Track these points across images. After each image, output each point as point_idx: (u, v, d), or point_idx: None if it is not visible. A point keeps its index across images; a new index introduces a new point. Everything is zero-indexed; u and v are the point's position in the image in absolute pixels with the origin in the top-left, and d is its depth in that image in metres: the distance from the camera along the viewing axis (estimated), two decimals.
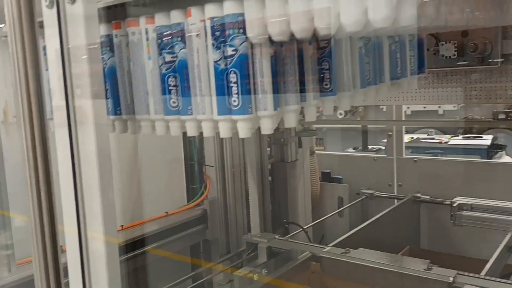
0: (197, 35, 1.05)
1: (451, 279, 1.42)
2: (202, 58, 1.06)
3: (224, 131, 1.07)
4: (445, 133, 4.64)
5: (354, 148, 4.77)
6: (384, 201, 2.63)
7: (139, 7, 1.15)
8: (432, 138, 4.32)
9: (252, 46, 1.02)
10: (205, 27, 1.04)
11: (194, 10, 1.04)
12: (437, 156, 3.69)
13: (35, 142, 0.88)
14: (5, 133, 1.96)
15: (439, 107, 5.03)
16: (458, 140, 4.20)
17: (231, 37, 1.00)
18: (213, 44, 1.03)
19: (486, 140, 4.04)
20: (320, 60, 1.16)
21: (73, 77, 0.91)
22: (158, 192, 2.34)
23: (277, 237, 1.90)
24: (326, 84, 1.17)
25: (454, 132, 4.59)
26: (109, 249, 0.95)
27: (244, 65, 1.01)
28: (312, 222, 2.51)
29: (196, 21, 1.05)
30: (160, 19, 1.11)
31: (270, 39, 1.01)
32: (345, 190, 2.74)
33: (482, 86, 2.15)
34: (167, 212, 2.28)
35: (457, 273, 1.44)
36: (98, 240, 0.94)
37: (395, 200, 2.58)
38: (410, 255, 2.11)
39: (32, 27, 0.87)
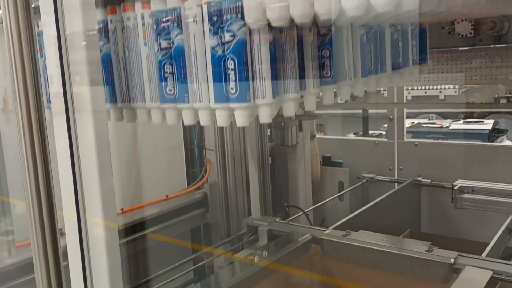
0: (194, 20, 1.02)
1: (452, 260, 1.42)
2: (199, 44, 1.03)
3: (222, 120, 1.05)
4: (446, 118, 4.63)
5: (354, 134, 4.76)
6: (385, 185, 2.62)
7: None
8: (433, 123, 4.31)
9: (250, 32, 0.99)
10: (202, 12, 1.01)
11: None
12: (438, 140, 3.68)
13: (32, 128, 0.87)
14: (5, 120, 1.96)
15: (440, 92, 5.01)
16: (459, 125, 4.19)
17: (228, 23, 0.98)
18: (210, 30, 1.00)
19: (487, 124, 4.03)
20: (321, 48, 1.14)
21: (70, 64, 0.90)
22: (158, 175, 2.34)
23: (277, 220, 1.89)
24: (327, 72, 1.15)
25: (455, 117, 4.58)
26: (109, 233, 0.95)
27: (242, 52, 0.99)
28: (313, 206, 2.51)
29: (192, 6, 1.02)
30: (156, 4, 1.08)
31: (269, 25, 0.98)
32: (346, 174, 2.74)
33: (498, 65, 2.10)
34: (167, 196, 2.28)
35: (458, 255, 1.44)
36: (98, 225, 0.94)
37: (396, 184, 2.58)
38: (411, 238, 2.11)
39: (27, 12, 0.86)
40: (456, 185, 2.21)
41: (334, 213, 2.60)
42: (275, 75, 1.05)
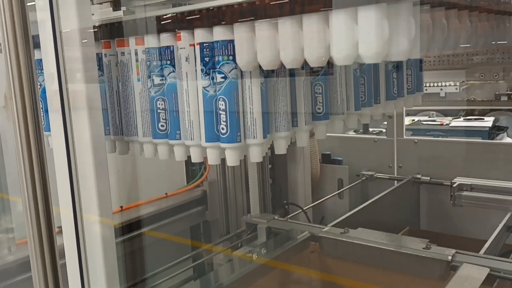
0: (187, 59, 1.03)
1: (450, 257, 1.43)
2: (191, 83, 1.04)
3: (212, 158, 1.05)
4: (446, 115, 4.62)
5: (355, 131, 4.75)
6: (384, 182, 2.62)
7: (128, 27, 1.12)
8: (433, 121, 4.30)
9: (242, 73, 1.00)
10: (194, 51, 1.02)
11: (184, 34, 1.02)
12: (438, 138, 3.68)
13: (28, 127, 0.87)
14: (6, 118, 1.96)
15: (441, 89, 5.00)
16: (459, 122, 4.19)
17: (220, 64, 0.98)
18: (202, 70, 1.01)
19: (487, 122, 4.02)
20: (313, 84, 1.14)
21: (66, 62, 0.90)
22: (158, 173, 2.34)
23: (276, 217, 1.90)
24: (319, 108, 1.16)
25: (455, 115, 4.58)
26: (105, 231, 0.95)
27: (233, 93, 1.00)
28: (312, 203, 2.51)
29: (185, 46, 1.02)
30: (150, 41, 1.08)
31: (260, 67, 0.98)
32: (345, 172, 2.74)
33: None
34: (166, 193, 2.28)
35: (456, 252, 1.45)
36: (94, 222, 0.94)
37: (395, 182, 2.58)
38: (410, 236, 2.11)
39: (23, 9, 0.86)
40: (455, 182, 2.21)
41: (333, 210, 2.60)
42: (266, 114, 1.05)
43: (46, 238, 0.87)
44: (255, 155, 1.04)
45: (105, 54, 1.17)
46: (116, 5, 1.20)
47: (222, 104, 1.00)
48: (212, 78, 1.00)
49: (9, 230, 1.80)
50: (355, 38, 0.83)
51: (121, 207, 2.05)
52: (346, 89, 1.22)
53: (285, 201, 2.54)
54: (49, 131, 0.96)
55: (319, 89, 1.15)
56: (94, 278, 0.93)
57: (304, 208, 2.29)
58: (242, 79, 1.00)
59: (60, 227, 0.95)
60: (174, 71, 1.06)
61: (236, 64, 0.97)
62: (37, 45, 0.91)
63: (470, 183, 2.15)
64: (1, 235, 1.82)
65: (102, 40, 1.16)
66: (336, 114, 1.20)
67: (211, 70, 1.00)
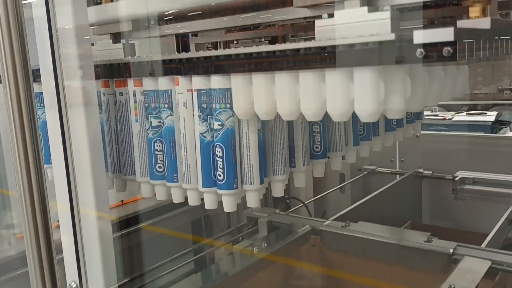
0: (184, 104, 1.02)
1: (451, 250, 1.42)
2: (189, 127, 1.03)
3: (209, 203, 1.05)
4: (449, 110, 4.60)
5: None
6: (386, 177, 2.62)
7: (126, 69, 1.12)
8: (436, 115, 4.28)
9: (239, 120, 0.99)
10: (192, 97, 1.01)
11: (181, 80, 1.01)
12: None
13: (24, 122, 0.87)
14: (5, 114, 1.96)
15: None
16: (462, 117, 4.17)
17: (217, 112, 0.98)
18: (199, 116, 1.00)
19: (490, 116, 4.00)
20: (311, 124, 1.13)
21: (62, 59, 0.90)
22: None
23: (277, 211, 1.89)
24: (317, 147, 1.15)
25: (458, 109, 4.55)
26: (102, 225, 0.95)
27: (231, 140, 0.99)
28: (313, 198, 2.51)
29: (183, 91, 1.02)
30: (148, 84, 1.08)
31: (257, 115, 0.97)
32: (347, 166, 2.73)
33: None
34: None
35: (457, 245, 1.44)
36: (91, 217, 0.94)
37: (397, 176, 2.57)
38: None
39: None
40: (457, 176, 2.20)
41: (335, 205, 2.60)
42: (263, 159, 1.05)
43: (42, 233, 0.87)
44: (252, 201, 1.04)
45: (104, 93, 1.17)
46: (116, 38, 1.24)
47: (219, 151, 0.99)
48: (210, 124, 1.00)
49: (9, 226, 1.80)
50: (351, 96, 0.82)
51: (122, 201, 2.06)
52: (345, 126, 1.22)
53: (286, 195, 2.53)
54: (50, 163, 0.96)
55: (317, 128, 1.14)
56: (91, 272, 0.93)
57: (305, 202, 2.28)
58: (240, 126, 1.00)
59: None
60: (171, 115, 1.06)
61: (234, 112, 0.97)
62: (36, 78, 0.92)
63: (472, 176, 2.14)
64: (3, 231, 1.83)
65: (101, 80, 1.16)
66: (335, 151, 1.20)
67: (208, 117, 1.00)
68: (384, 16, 0.78)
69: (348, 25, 0.81)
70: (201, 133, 1.01)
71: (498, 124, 3.93)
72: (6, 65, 0.85)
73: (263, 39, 1.54)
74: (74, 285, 0.93)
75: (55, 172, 0.93)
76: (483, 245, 1.54)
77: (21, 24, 0.84)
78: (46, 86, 0.90)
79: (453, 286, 1.21)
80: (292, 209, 2.16)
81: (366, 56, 0.77)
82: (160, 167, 1.11)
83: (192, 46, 1.58)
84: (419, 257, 1.49)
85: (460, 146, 2.48)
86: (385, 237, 1.58)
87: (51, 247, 0.87)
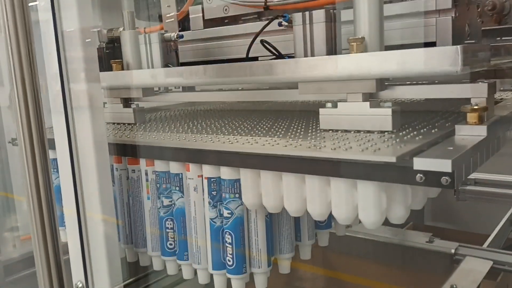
0: (195, 189, 1.04)
1: (453, 251, 1.43)
2: (199, 211, 1.05)
3: (219, 285, 1.08)
4: None
5: None
6: None
7: (139, 149, 1.13)
8: None
9: (248, 209, 1.01)
10: (202, 182, 1.03)
11: (192, 166, 1.02)
12: None
13: (31, 125, 0.87)
14: (12, 118, 1.97)
15: None
16: None
17: (227, 201, 0.99)
18: (209, 202, 1.02)
19: None
20: None
21: (68, 62, 0.91)
22: None
23: None
24: (324, 220, 1.19)
25: None
26: (108, 228, 0.96)
27: (239, 228, 1.01)
28: None
29: (194, 176, 1.03)
30: (160, 166, 1.10)
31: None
32: None
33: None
34: None
35: (459, 245, 1.44)
36: (97, 219, 0.95)
37: None
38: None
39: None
40: None
41: None
42: (271, 242, 1.08)
43: (50, 235, 0.88)
44: (260, 283, 1.08)
45: (116, 168, 1.18)
46: (126, 102, 1.28)
47: (229, 238, 1.02)
48: (219, 211, 1.02)
49: (14, 229, 1.81)
50: (354, 202, 0.84)
51: None
52: None
53: None
54: (63, 226, 0.98)
55: None
56: (97, 273, 0.94)
57: None
58: (248, 212, 1.02)
59: None
60: (182, 197, 1.08)
61: (242, 201, 0.99)
62: (52, 146, 0.93)
63: (473, 177, 2.14)
64: (7, 233, 1.84)
65: (113, 156, 1.17)
66: None
67: (218, 203, 1.02)
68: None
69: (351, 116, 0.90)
70: (211, 219, 1.04)
71: None
72: (14, 66, 0.85)
73: None
74: (80, 285, 0.94)
75: (62, 174, 0.94)
76: (485, 245, 1.55)
77: (28, 28, 0.85)
78: (53, 89, 0.91)
79: (454, 286, 1.22)
80: None
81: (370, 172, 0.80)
82: (171, 244, 1.14)
83: None
84: (421, 258, 1.50)
85: None
86: (387, 238, 1.59)
87: (58, 248, 0.88)
